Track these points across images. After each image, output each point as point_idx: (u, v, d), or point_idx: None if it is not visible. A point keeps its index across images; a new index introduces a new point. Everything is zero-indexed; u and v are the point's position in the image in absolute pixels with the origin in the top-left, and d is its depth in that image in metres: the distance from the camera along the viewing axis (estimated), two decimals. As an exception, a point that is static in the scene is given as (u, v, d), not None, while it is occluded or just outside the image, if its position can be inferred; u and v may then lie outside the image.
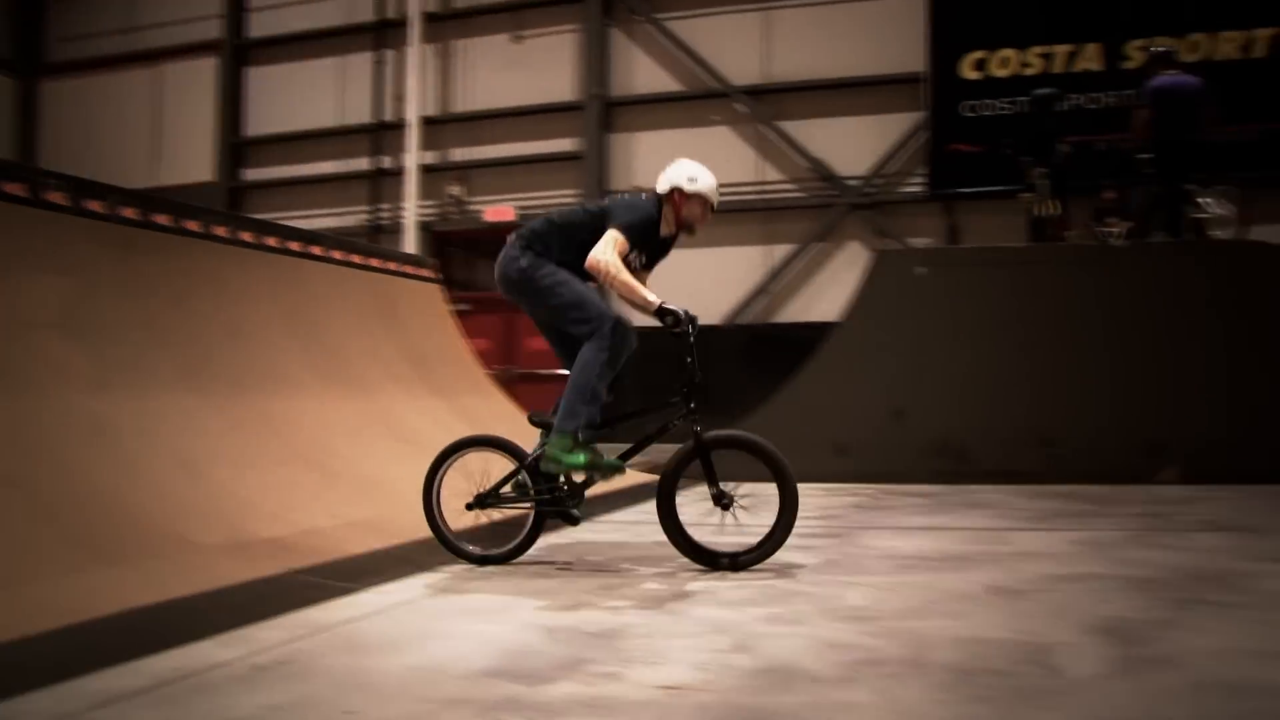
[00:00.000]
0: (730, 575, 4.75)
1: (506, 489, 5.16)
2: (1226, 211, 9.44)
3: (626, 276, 4.96)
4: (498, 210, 16.21)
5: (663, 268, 14.59)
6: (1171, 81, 9.79)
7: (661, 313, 4.92)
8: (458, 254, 16.81)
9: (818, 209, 14.94)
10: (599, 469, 4.98)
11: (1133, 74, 11.56)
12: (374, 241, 15.49)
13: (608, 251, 4.95)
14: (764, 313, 15.07)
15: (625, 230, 5.02)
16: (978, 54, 14.36)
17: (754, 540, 4.88)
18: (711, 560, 4.90)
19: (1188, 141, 9.58)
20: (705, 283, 14.96)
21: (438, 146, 16.46)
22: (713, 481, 4.94)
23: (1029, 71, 14.12)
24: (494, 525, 5.21)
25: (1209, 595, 4.17)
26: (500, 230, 15.90)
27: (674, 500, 4.96)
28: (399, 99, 16.30)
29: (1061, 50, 14.19)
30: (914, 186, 14.66)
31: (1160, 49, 10.36)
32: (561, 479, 5.07)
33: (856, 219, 14.80)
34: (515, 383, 14.63)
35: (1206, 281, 8.76)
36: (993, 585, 4.42)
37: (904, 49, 14.56)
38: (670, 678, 3.06)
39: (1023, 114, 11.45)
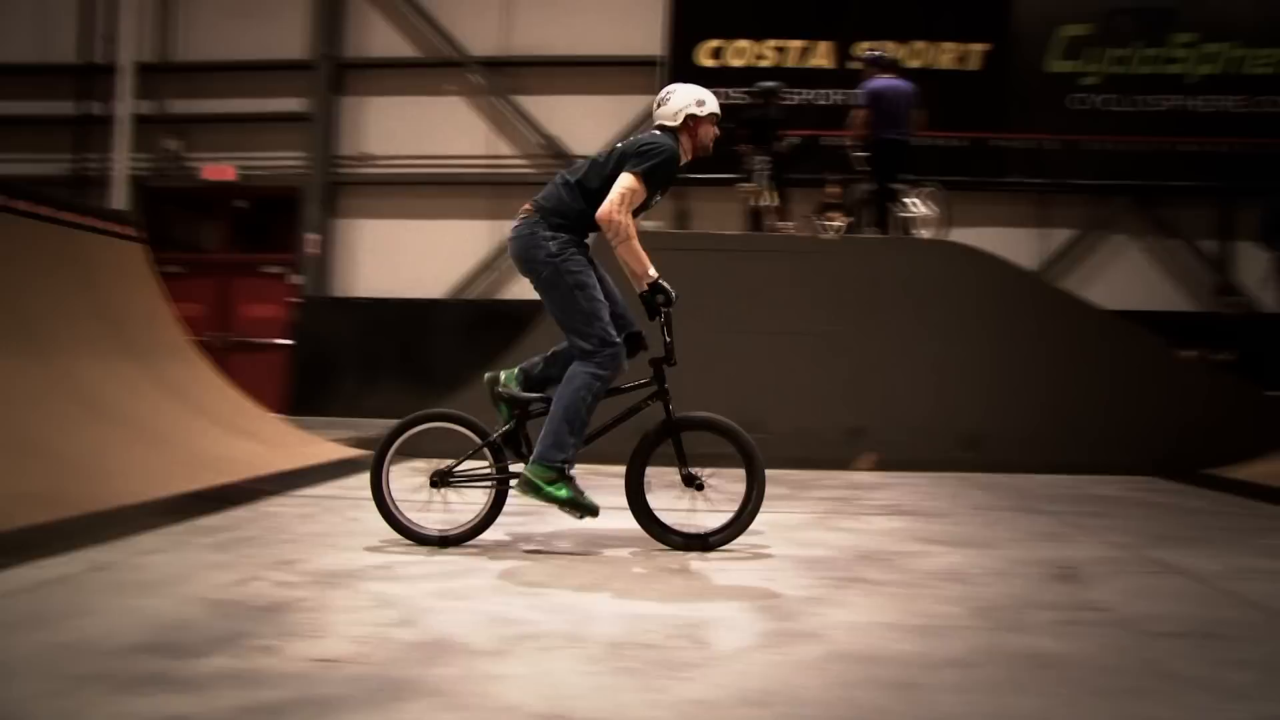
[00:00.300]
0: (411, 551, 4.67)
1: (467, 466, 4.89)
2: (931, 211, 9.92)
3: (636, 243, 4.72)
4: (217, 169, 15.49)
5: (387, 238, 14.26)
6: (886, 84, 10.23)
7: (655, 288, 4.75)
8: (173, 212, 15.94)
9: (549, 186, 14.95)
10: (578, 509, 4.72)
11: (860, 74, 12.04)
12: (79, 194, 14.45)
13: (622, 209, 4.67)
14: (490, 288, 15.03)
15: (647, 176, 4.73)
16: (715, 42, 14.74)
17: (717, 523, 4.88)
18: (680, 541, 4.87)
19: (898, 143, 10.04)
20: (430, 255, 14.84)
21: (154, 96, 15.43)
22: (683, 463, 4.89)
23: (763, 63, 14.59)
24: (449, 504, 4.90)
25: (867, 574, 4.40)
26: (219, 190, 15.57)
27: (643, 482, 4.89)
28: (110, 40, 15.08)
29: (795, 45, 14.73)
30: (647, 170, 14.85)
31: (876, 53, 10.83)
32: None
33: (590, 200, 14.88)
34: (231, 350, 14.11)
35: (909, 277, 9.17)
36: (669, 564, 4.53)
37: (643, 31, 14.78)
38: (327, 650, 3.05)
39: (748, 105, 11.79)
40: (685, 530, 4.91)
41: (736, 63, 14.69)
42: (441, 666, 2.91)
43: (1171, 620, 3.66)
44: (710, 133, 5.02)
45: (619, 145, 4.92)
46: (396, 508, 4.89)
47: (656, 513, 4.92)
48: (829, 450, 8.71)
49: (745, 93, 11.99)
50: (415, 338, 14.16)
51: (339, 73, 15.48)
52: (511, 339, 9.31)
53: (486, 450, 4.87)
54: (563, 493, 4.68)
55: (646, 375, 4.90)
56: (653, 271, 4.77)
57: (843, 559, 4.74)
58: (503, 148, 15.27)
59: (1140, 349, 9.32)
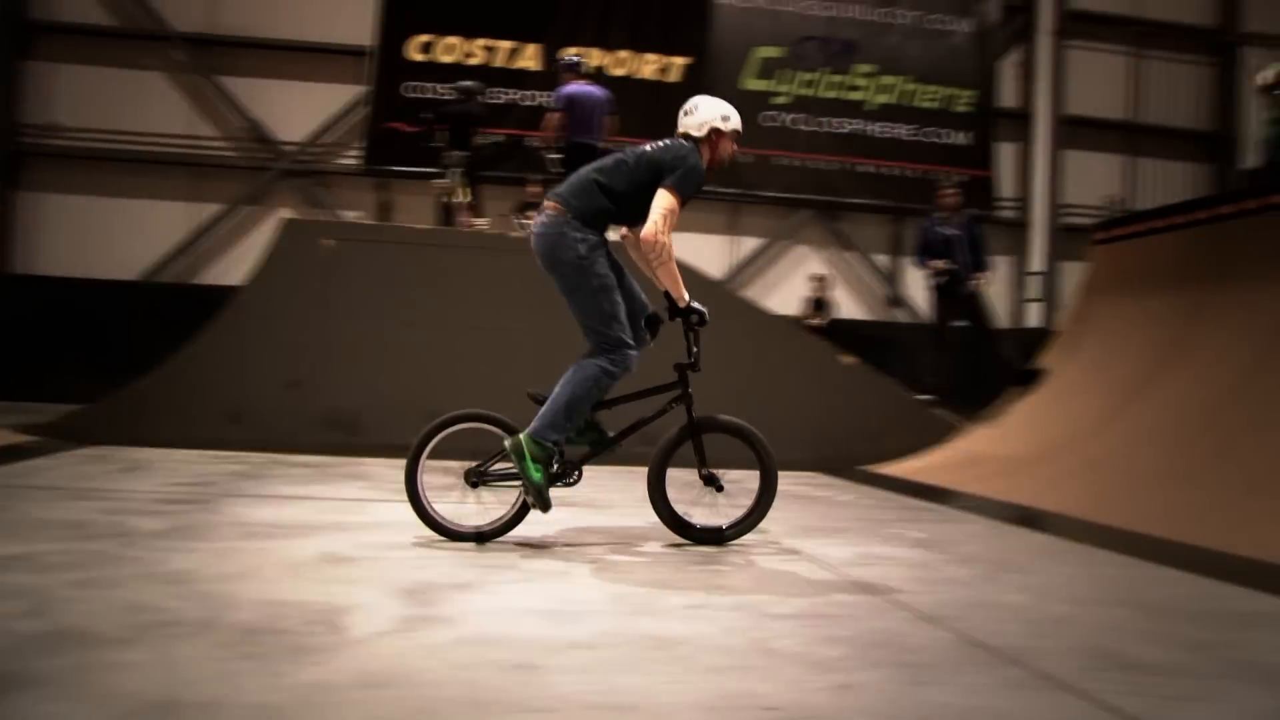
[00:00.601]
0: (59, 540, 4.52)
1: (499, 465, 4.99)
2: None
3: (674, 265, 4.92)
4: None
5: (76, 214, 13.60)
6: (581, 90, 10.58)
7: (688, 310, 5.00)
8: None
9: (251, 171, 14.63)
10: (539, 499, 4.85)
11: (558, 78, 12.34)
12: None
13: (666, 231, 4.83)
14: (186, 272, 14.54)
15: (683, 194, 4.87)
16: (425, 37, 14.77)
17: (726, 521, 5.22)
18: (698, 535, 5.18)
19: (589, 147, 10.39)
20: (123, 235, 14.24)
21: None
22: (703, 463, 5.15)
23: (472, 61, 14.73)
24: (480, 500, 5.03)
25: (521, 563, 4.58)
26: None
27: (665, 479, 5.15)
28: None
29: (505, 45, 14.93)
30: (351, 159, 14.75)
31: (571, 59, 11.13)
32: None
33: (290, 186, 14.66)
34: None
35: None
36: (328, 553, 4.55)
37: (355, 21, 14.64)
38: (-68, 648, 2.94)
39: (449, 100, 11.94)
40: (703, 525, 5.22)
41: (446, 58, 14.77)
42: (60, 657, 2.87)
43: (790, 603, 3.99)
44: (729, 148, 5.18)
45: (646, 149, 5.01)
46: (431, 506, 5.01)
47: (675, 507, 5.22)
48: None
49: (450, 89, 12.11)
50: (104, 320, 13.52)
51: (23, 34, 14.52)
52: (206, 324, 9.11)
53: None
54: (538, 476, 4.83)
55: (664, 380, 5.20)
56: (686, 295, 5.01)
57: (501, 548, 4.91)
58: (204, 129, 14.78)
59: (811, 354, 9.99)
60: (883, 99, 16.01)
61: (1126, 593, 4.50)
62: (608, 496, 7.04)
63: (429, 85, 14.49)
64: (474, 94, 11.53)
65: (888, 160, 15.84)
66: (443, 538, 4.99)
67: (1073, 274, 14.67)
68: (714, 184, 14.84)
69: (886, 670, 3.14)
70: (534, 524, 5.57)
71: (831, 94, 15.83)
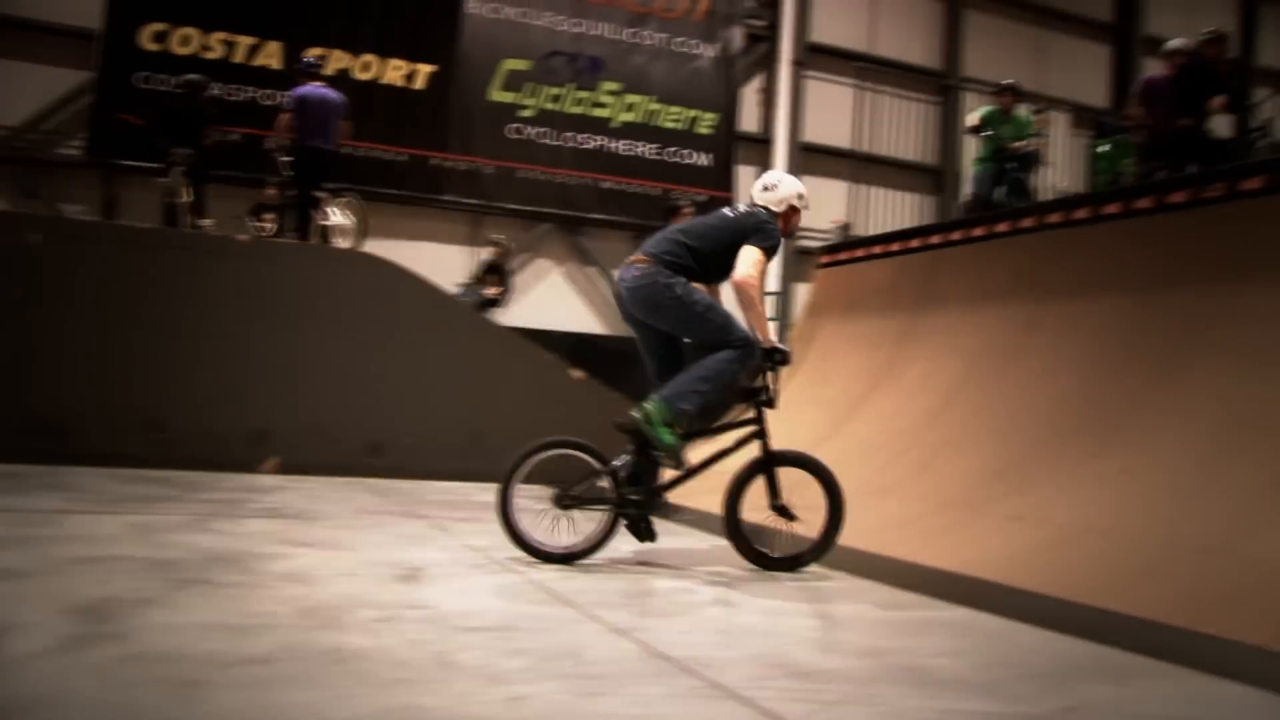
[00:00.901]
0: None
1: (587, 491, 5.32)
2: (348, 221, 10.17)
3: (763, 308, 5.43)
4: None
5: None
6: (314, 92, 10.42)
7: (771, 350, 5.38)
8: None
9: (-47, 155, 13.62)
10: (674, 458, 5.28)
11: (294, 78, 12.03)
12: None
13: (756, 275, 5.31)
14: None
15: (770, 253, 5.41)
16: (159, 25, 14.13)
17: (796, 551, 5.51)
18: (769, 562, 5.49)
19: (321, 151, 10.22)
20: None
21: None
22: (775, 494, 5.46)
23: (210, 55, 14.21)
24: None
25: (213, 576, 4.42)
26: None
27: (739, 510, 5.44)
28: None
29: (245, 41, 14.48)
30: (73, 149, 13.95)
31: (308, 60, 10.95)
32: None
33: (1, 174, 13.75)
34: None
35: (322, 285, 9.27)
36: (2, 568, 4.28)
37: (83, 4, 13.80)
38: None
39: (171, 95, 11.46)
40: (776, 554, 5.51)
41: (182, 50, 14.12)
42: None
43: (484, 616, 3.99)
44: (797, 220, 5.82)
45: (729, 216, 5.62)
46: (521, 528, 5.25)
47: (749, 537, 5.51)
48: (232, 452, 8.67)
49: (177, 83, 11.66)
50: None
51: None
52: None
53: (606, 477, 5.33)
54: (670, 439, 5.21)
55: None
56: (772, 335, 5.45)
57: (196, 561, 4.73)
58: (-104, 105, 13.64)
59: (541, 367, 10.06)
60: (627, 117, 16.35)
61: (816, 603, 4.73)
62: (322, 507, 6.94)
63: (162, 77, 13.81)
64: (198, 88, 11.16)
65: (630, 178, 16.19)
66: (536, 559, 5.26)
67: (806, 295, 15.27)
68: (455, 194, 15.14)
69: (562, 682, 3.17)
70: (244, 537, 5.47)
71: (577, 110, 16.04)
